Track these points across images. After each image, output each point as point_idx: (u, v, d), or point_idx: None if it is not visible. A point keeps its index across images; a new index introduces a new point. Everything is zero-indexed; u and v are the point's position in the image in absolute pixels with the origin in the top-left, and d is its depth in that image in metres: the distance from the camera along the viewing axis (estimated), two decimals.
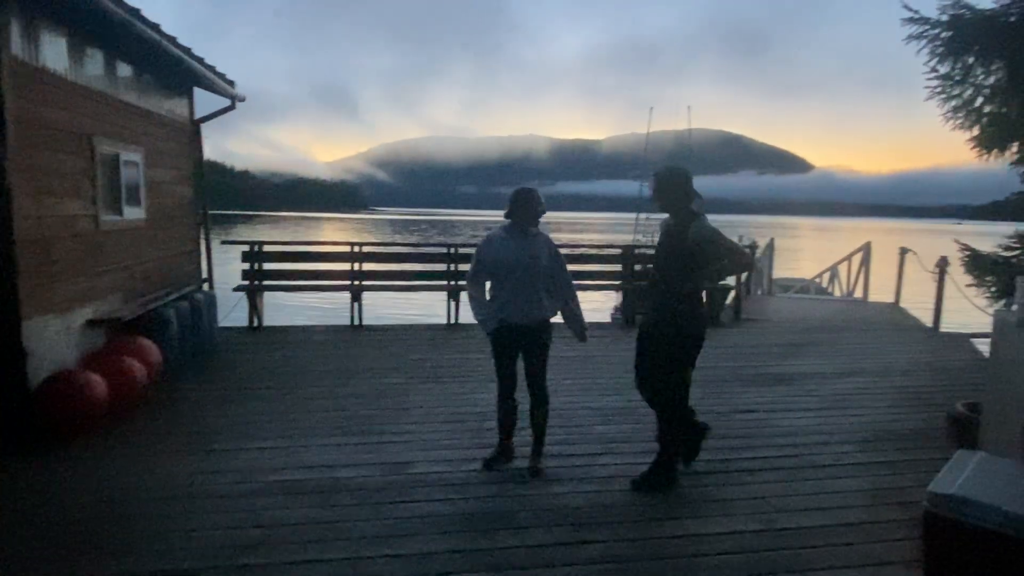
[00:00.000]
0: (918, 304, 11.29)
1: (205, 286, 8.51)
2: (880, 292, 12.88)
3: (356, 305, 9.04)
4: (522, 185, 4.19)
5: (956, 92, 5.97)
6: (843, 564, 3.12)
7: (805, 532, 3.41)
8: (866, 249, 12.93)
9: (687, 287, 3.77)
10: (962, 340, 8.58)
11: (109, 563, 3.08)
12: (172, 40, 6.14)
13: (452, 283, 9.20)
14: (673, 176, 3.83)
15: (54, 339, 4.92)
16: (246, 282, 8.84)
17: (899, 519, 3.50)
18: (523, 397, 4.17)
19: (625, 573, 3.05)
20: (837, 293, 14.69)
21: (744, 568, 3.08)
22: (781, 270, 21.98)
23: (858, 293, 13.04)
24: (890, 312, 10.90)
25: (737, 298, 10.30)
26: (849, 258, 13.89)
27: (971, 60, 5.71)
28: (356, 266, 9.21)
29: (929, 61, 5.85)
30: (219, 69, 7.70)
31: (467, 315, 9.28)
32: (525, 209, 3.99)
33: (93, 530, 3.38)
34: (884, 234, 73.87)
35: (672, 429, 3.91)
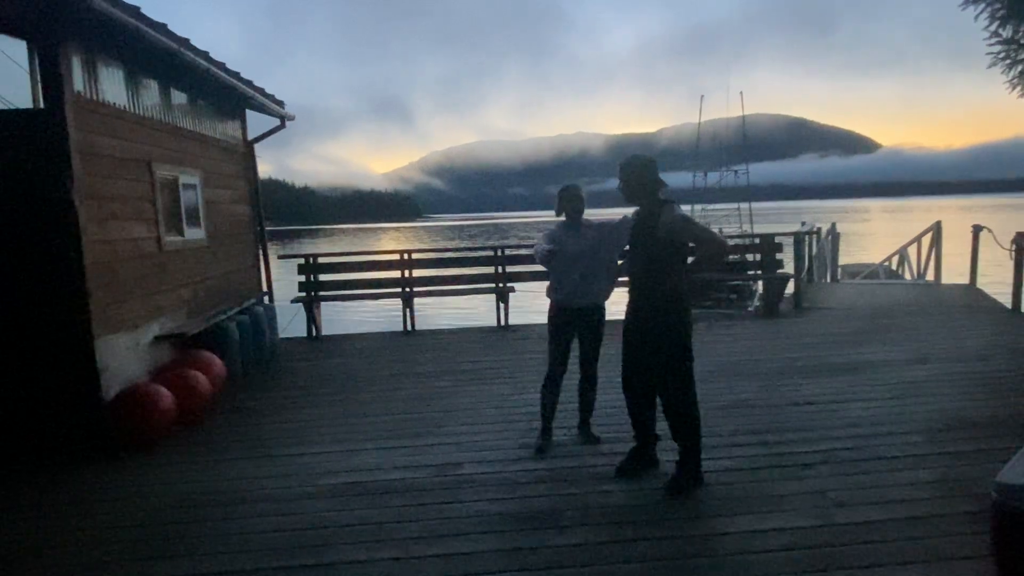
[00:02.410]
0: (997, 284, 10.63)
1: (265, 299, 8.85)
2: (956, 273, 12.18)
3: (408, 311, 9.22)
4: (570, 182, 4.63)
5: (1022, 57, 5.61)
6: (907, 560, 2.97)
7: (866, 527, 3.26)
8: (936, 229, 12.26)
9: (674, 278, 3.67)
10: None
11: (179, 564, 3.25)
12: (221, 66, 6.43)
13: (501, 285, 9.25)
14: (639, 166, 3.77)
15: (125, 355, 5.22)
16: (303, 294, 9.15)
17: (969, 512, 3.30)
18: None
19: (675, 571, 3.00)
20: (908, 277, 13.98)
21: (799, 565, 2.97)
22: (848, 255, 21.09)
23: (930, 276, 12.38)
24: (965, 294, 10.29)
25: (797, 286, 9.95)
26: (919, 239, 13.20)
27: None
28: (407, 273, 9.39)
29: (989, 26, 5.53)
30: (276, 89, 8.05)
31: (516, 317, 9.34)
32: (570, 202, 4.35)
33: (163, 532, 3.57)
34: (960, 212, 69.73)
35: (690, 422, 3.78)
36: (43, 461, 4.65)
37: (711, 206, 28.22)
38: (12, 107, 5.47)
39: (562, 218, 4.41)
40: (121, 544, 3.48)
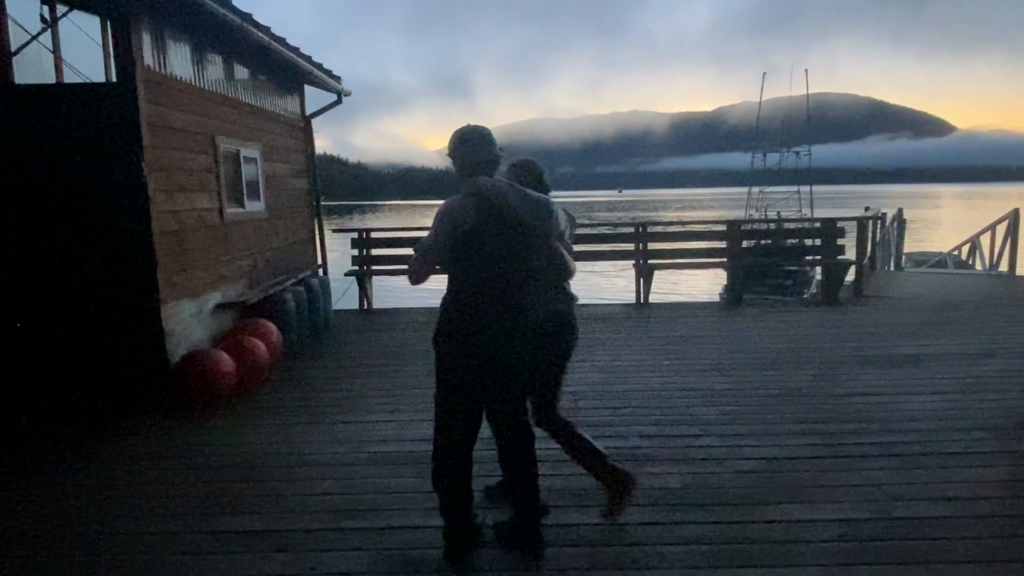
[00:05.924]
0: None
1: (320, 272, 9.07)
2: None
3: None
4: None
5: None
6: (964, 559, 2.86)
7: (923, 523, 3.16)
8: (1013, 217, 11.56)
9: None
10: None
11: (242, 520, 3.41)
12: (281, 41, 6.54)
13: None
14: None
15: (189, 321, 5.46)
16: (356, 267, 9.34)
17: None
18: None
19: (719, 556, 2.97)
20: (979, 267, 13.27)
21: (849, 557, 2.90)
22: (915, 243, 20.17)
23: (1003, 266, 11.73)
24: None
25: (858, 273, 9.58)
26: (993, 227, 12.49)
27: None
28: None
29: None
30: (343, 65, 8.23)
31: None
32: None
33: (222, 491, 3.74)
34: None
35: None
36: (113, 419, 4.91)
37: (769, 188, 27.35)
38: (86, 80, 5.73)
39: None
40: (188, 499, 3.66)
